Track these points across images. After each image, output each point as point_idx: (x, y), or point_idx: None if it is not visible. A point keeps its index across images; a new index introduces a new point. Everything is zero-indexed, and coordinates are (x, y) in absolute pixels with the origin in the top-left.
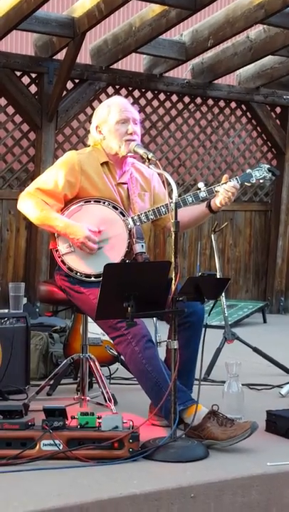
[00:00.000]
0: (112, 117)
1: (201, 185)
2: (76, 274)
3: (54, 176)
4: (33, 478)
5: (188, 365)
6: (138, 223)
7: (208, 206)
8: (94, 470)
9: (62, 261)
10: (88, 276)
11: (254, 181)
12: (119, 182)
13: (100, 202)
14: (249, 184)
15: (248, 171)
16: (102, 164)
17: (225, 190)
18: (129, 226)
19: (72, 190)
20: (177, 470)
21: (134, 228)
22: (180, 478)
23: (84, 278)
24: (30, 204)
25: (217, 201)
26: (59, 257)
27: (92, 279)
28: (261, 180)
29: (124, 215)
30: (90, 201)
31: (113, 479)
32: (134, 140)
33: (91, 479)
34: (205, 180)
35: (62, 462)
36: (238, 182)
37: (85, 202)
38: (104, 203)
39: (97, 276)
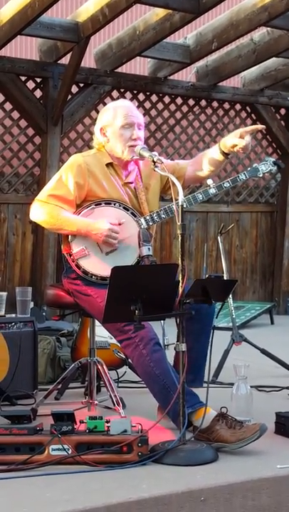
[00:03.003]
0: (117, 121)
1: (210, 181)
2: (91, 277)
3: (63, 180)
4: (42, 484)
5: (199, 360)
6: (150, 223)
7: (223, 154)
8: (103, 474)
9: (77, 264)
10: (104, 278)
11: (261, 175)
12: (125, 182)
13: (110, 204)
14: (257, 178)
15: (255, 165)
16: (106, 165)
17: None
18: (142, 226)
19: (81, 192)
20: (187, 473)
21: (140, 231)
22: (189, 481)
23: (100, 281)
24: (45, 211)
25: (229, 142)
26: (73, 261)
27: (108, 281)
28: (267, 174)
29: (135, 216)
30: (101, 203)
31: (122, 484)
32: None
33: (100, 484)
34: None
35: (71, 467)
36: (246, 177)
37: (96, 205)
38: (114, 204)
39: None
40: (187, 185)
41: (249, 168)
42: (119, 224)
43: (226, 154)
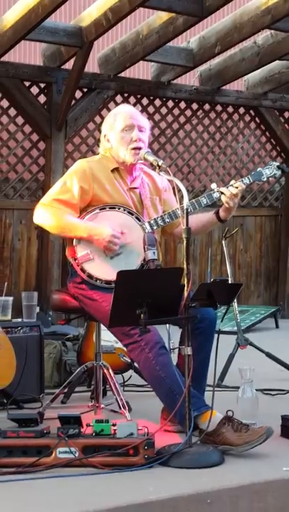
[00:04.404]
0: (118, 125)
1: (214, 185)
2: (96, 281)
3: (68, 185)
4: (49, 486)
5: (200, 372)
6: (155, 227)
7: (217, 214)
8: (110, 477)
9: (82, 269)
10: (108, 282)
11: (265, 179)
12: (130, 187)
13: (115, 208)
14: (261, 183)
15: (259, 169)
16: (112, 171)
17: (230, 194)
18: (147, 230)
19: (86, 197)
20: (193, 476)
21: (145, 235)
22: (196, 484)
23: (104, 285)
24: (49, 214)
25: (222, 209)
26: (78, 265)
27: (112, 285)
28: (271, 178)
29: (140, 220)
30: (106, 208)
31: (129, 486)
32: (139, 148)
33: (107, 487)
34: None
35: (78, 470)
36: (250, 181)
37: (101, 209)
38: (119, 208)
39: None
40: (176, 239)
41: (253, 172)
42: (122, 233)
43: (220, 219)
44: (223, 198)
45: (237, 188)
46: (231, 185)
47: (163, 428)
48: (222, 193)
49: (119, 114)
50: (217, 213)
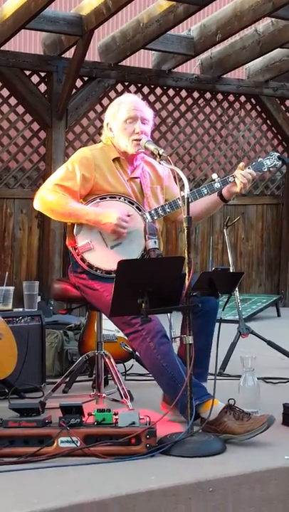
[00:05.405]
0: (121, 115)
1: (214, 175)
2: (96, 271)
3: (70, 172)
4: (52, 476)
5: (203, 355)
6: (155, 217)
7: (220, 195)
8: (111, 466)
9: (82, 258)
10: (108, 272)
11: (265, 170)
12: (131, 177)
13: (115, 198)
14: (261, 173)
15: (260, 159)
16: (113, 160)
17: (241, 176)
18: (147, 220)
19: (87, 185)
20: (195, 465)
21: (146, 224)
22: (198, 473)
23: (104, 275)
24: (54, 199)
25: (235, 188)
26: (78, 255)
27: (113, 275)
28: (272, 169)
29: (140, 210)
30: (106, 198)
31: (131, 475)
32: (140, 139)
33: (109, 476)
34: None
35: (80, 459)
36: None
37: (101, 199)
38: (119, 198)
39: None
40: (179, 225)
41: (254, 163)
42: (128, 215)
43: (224, 199)
44: (238, 182)
45: (248, 177)
46: (239, 173)
47: (166, 415)
48: (231, 181)
49: (123, 104)
50: (220, 195)
